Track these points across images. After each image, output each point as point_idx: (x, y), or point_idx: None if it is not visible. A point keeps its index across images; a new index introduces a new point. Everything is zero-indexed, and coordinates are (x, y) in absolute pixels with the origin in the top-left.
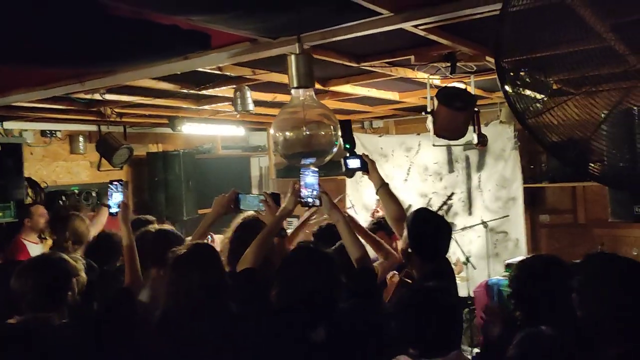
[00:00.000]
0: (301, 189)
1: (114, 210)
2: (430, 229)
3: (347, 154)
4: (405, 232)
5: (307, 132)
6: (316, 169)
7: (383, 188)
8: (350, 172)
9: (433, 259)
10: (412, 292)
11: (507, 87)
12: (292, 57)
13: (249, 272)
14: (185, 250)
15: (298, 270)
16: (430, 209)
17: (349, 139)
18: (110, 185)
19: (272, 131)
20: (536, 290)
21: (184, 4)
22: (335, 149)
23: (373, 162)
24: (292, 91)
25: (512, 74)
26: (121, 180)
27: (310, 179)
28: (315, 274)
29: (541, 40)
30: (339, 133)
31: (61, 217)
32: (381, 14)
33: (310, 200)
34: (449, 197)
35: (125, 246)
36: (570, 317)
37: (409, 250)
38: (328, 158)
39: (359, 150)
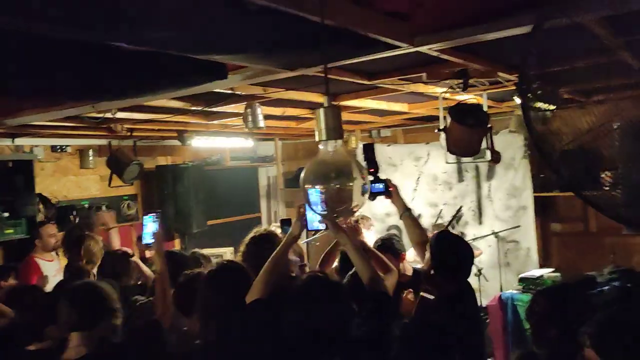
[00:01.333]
0: (306, 213)
1: (148, 240)
2: (453, 252)
3: (371, 178)
4: (427, 254)
5: (337, 185)
6: (320, 190)
7: (407, 213)
8: (373, 197)
9: (455, 280)
10: (418, 328)
11: (525, 100)
12: (321, 111)
13: (259, 304)
14: None
15: (308, 302)
16: (442, 219)
17: (372, 163)
18: (146, 216)
19: (301, 183)
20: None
21: (205, 46)
22: (366, 200)
23: (396, 187)
24: (321, 144)
25: (525, 87)
26: (159, 211)
27: (314, 199)
28: (325, 305)
29: (561, 54)
30: (370, 179)
31: (75, 239)
32: (400, 47)
33: (315, 225)
34: (457, 212)
35: (159, 275)
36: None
37: (432, 272)
38: (359, 209)
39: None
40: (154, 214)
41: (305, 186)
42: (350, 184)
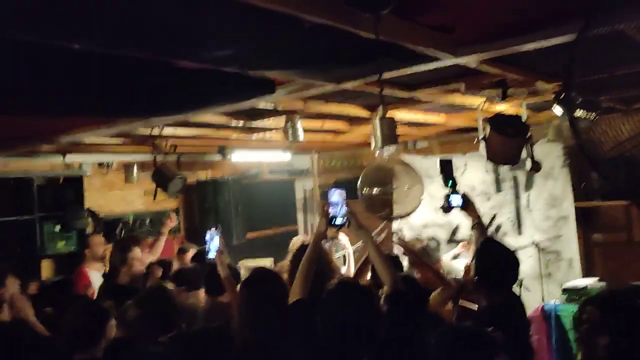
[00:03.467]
0: (329, 210)
1: (212, 255)
2: (497, 261)
3: (450, 191)
4: (473, 262)
5: (394, 187)
6: (342, 189)
7: (479, 223)
8: (449, 209)
9: (499, 290)
10: (457, 334)
11: (569, 108)
12: (377, 121)
13: (301, 304)
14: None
15: (337, 306)
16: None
17: (450, 177)
18: (209, 232)
19: (359, 187)
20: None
21: (261, 63)
22: (419, 204)
23: (472, 200)
24: (377, 150)
25: (567, 95)
26: (217, 226)
27: (337, 199)
28: (354, 309)
29: (603, 63)
30: (422, 187)
31: (120, 248)
32: (443, 59)
33: (338, 222)
34: (492, 220)
35: (226, 279)
36: None
37: (476, 281)
38: (412, 212)
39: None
40: (214, 228)
41: (363, 190)
42: (406, 187)
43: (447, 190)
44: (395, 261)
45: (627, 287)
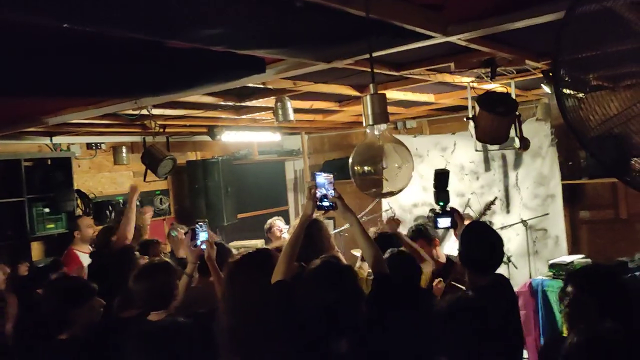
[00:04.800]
0: (317, 193)
1: (199, 244)
2: (482, 243)
3: (439, 211)
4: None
5: (385, 166)
6: (329, 173)
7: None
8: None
9: (485, 272)
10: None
11: (558, 86)
12: (368, 97)
13: (282, 285)
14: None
15: (317, 285)
16: (470, 209)
17: (443, 195)
18: (196, 226)
19: (350, 164)
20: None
21: (251, 42)
22: (409, 181)
23: (461, 216)
24: (368, 128)
25: (557, 73)
26: (205, 221)
27: (323, 182)
28: (334, 288)
29: (591, 40)
30: (412, 165)
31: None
32: (433, 37)
33: (325, 204)
34: (492, 203)
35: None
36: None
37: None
38: (402, 190)
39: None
40: (202, 223)
41: (355, 167)
42: (397, 165)
43: (437, 207)
44: (391, 240)
45: (610, 263)
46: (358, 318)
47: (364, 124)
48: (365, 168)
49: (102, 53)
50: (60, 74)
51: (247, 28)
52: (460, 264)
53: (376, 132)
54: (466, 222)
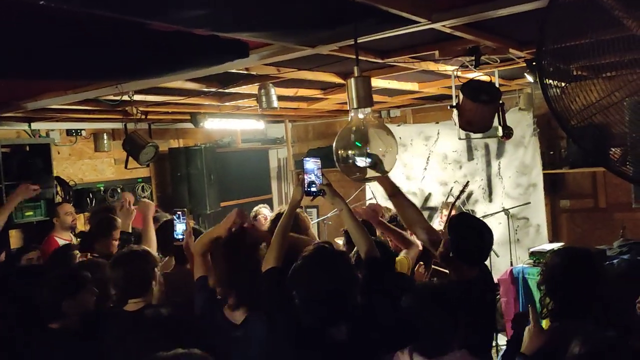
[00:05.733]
0: (305, 179)
1: (180, 237)
2: (474, 235)
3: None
4: (447, 237)
5: (368, 150)
6: (317, 158)
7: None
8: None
9: (475, 264)
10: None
11: (542, 75)
12: (352, 80)
13: (274, 272)
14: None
15: (312, 271)
16: (452, 198)
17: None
18: (174, 217)
19: (334, 149)
20: (570, 282)
21: (234, 25)
22: (393, 166)
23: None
24: (352, 111)
25: (534, 63)
26: (184, 210)
27: (311, 167)
28: (329, 274)
29: (574, 29)
30: (397, 149)
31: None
32: (419, 22)
33: (314, 190)
34: (465, 186)
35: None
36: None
37: (450, 254)
38: (387, 172)
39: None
40: (179, 213)
41: (339, 152)
42: (381, 149)
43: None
44: (368, 226)
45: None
46: (354, 304)
47: (349, 107)
48: (349, 152)
49: (80, 33)
50: (37, 55)
51: (230, 10)
52: (444, 253)
53: (360, 116)
54: (453, 213)
